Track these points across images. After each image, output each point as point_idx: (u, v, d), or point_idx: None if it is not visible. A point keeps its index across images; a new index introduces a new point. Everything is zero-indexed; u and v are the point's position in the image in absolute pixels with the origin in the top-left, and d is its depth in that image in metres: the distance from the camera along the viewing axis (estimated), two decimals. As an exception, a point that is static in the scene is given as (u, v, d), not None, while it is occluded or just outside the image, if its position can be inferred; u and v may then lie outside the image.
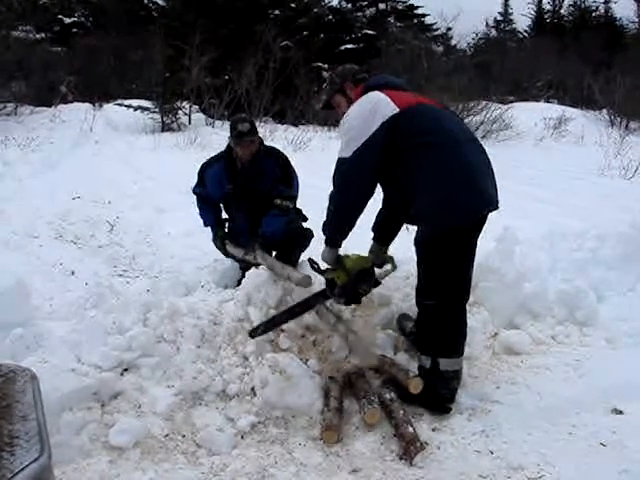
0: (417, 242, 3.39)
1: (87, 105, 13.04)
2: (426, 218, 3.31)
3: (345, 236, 3.53)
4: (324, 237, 3.60)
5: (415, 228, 3.45)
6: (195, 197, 5.01)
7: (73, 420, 3.03)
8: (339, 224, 3.51)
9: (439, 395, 3.37)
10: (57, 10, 20.31)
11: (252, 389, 3.41)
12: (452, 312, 3.37)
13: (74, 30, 19.73)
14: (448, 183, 3.23)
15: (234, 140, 4.68)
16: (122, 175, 8.81)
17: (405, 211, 3.40)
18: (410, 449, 2.96)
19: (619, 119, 17.51)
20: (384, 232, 3.93)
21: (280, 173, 4.79)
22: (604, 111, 18.44)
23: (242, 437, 3.15)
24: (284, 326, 3.81)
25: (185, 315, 3.85)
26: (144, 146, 10.88)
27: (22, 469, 1.67)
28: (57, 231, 6.21)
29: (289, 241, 4.70)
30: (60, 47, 17.47)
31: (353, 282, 3.56)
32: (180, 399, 3.34)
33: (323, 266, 3.69)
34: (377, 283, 3.77)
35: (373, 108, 3.34)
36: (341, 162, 3.36)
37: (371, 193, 3.40)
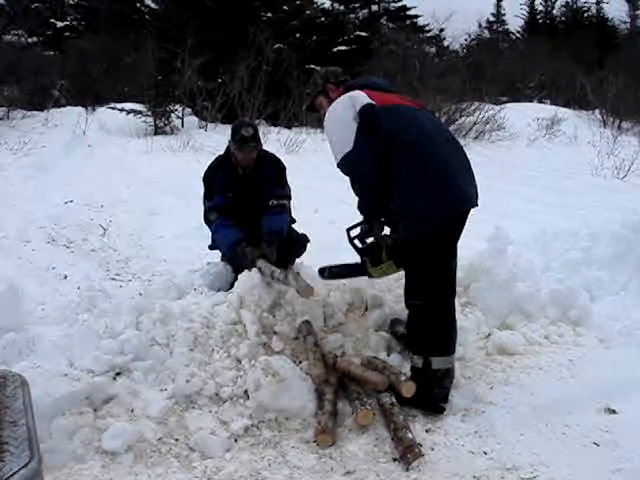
0: (400, 243, 3.42)
1: (80, 109, 12.99)
2: (406, 218, 3.35)
3: (382, 207, 3.52)
4: (362, 215, 3.68)
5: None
6: (209, 222, 4.73)
7: (65, 425, 3.01)
8: (373, 200, 3.54)
9: (432, 395, 3.37)
10: (49, 14, 20.28)
11: (245, 392, 3.39)
12: (440, 310, 3.40)
13: (66, 34, 19.70)
14: (425, 183, 3.29)
15: (236, 145, 4.57)
16: (115, 178, 8.80)
17: (386, 210, 3.47)
18: (407, 455, 2.95)
19: (611, 119, 17.56)
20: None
21: (275, 176, 4.76)
22: (597, 111, 18.49)
23: (235, 440, 3.14)
24: (276, 328, 3.81)
25: (178, 318, 3.84)
26: (137, 149, 10.86)
27: (12, 475, 1.66)
28: (49, 235, 6.19)
29: (287, 248, 4.67)
30: (52, 51, 17.45)
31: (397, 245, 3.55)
32: (173, 403, 3.32)
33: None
34: None
35: (351, 100, 3.46)
36: (349, 156, 3.40)
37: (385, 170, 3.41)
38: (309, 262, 4.75)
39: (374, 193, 3.48)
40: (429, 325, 3.36)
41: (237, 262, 4.49)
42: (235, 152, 4.61)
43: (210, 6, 15.97)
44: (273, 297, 3.95)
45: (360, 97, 3.45)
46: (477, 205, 3.41)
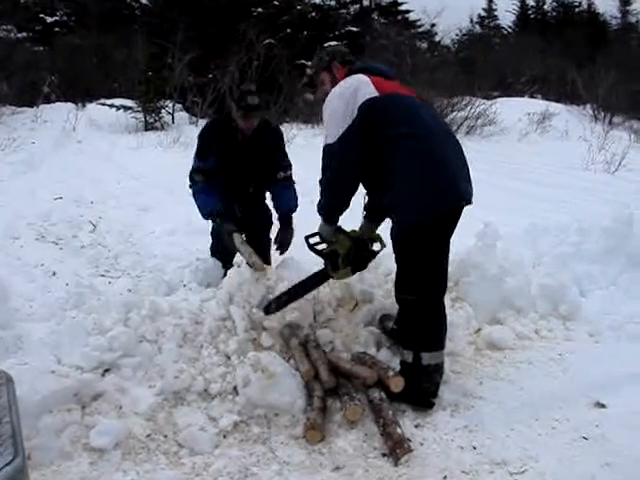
0: (393, 237, 3.41)
1: (70, 105, 12.95)
2: (401, 211, 3.33)
3: (341, 213, 3.61)
4: (320, 216, 3.67)
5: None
6: (193, 182, 4.62)
7: (53, 422, 2.99)
8: (333, 204, 3.57)
9: (422, 390, 3.37)
10: (39, 9, 20.17)
11: (234, 388, 3.38)
12: (432, 306, 3.38)
13: (56, 29, 19.60)
14: (423, 176, 3.25)
15: (241, 113, 4.45)
16: (105, 175, 8.76)
17: (381, 202, 3.46)
18: (397, 451, 2.94)
19: (603, 114, 17.59)
20: (373, 211, 3.90)
21: (275, 145, 4.75)
22: (588, 106, 18.52)
23: (224, 436, 3.13)
24: (265, 323, 3.80)
25: (167, 315, 3.83)
26: (127, 145, 10.82)
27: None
28: (38, 232, 6.15)
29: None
30: (42, 46, 17.36)
31: (354, 248, 3.67)
32: (162, 399, 3.31)
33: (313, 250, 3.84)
34: (374, 253, 3.85)
35: (354, 90, 3.37)
36: (328, 148, 3.40)
37: (359, 175, 3.46)
38: (302, 256, 4.74)
39: (337, 194, 3.51)
40: (419, 320, 3.35)
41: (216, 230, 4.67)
42: (238, 119, 4.51)
43: (201, 1, 15.90)
44: (262, 293, 3.93)
45: (364, 88, 3.38)
46: (471, 202, 3.40)
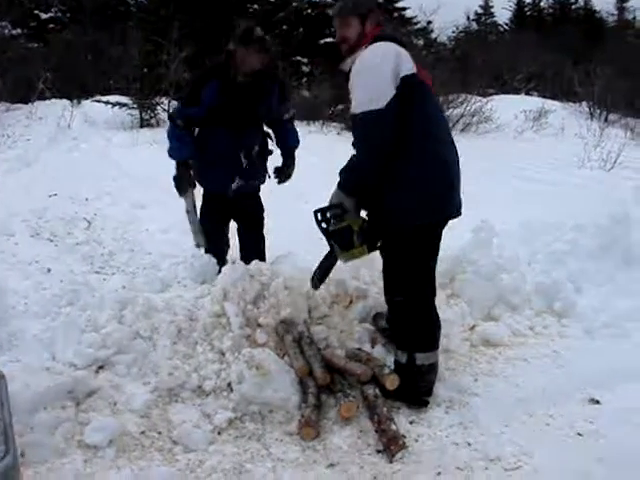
0: (386, 236, 3.36)
1: (65, 101, 12.87)
2: (404, 210, 3.22)
3: (368, 187, 3.25)
4: (345, 186, 3.27)
5: None
6: (174, 123, 4.54)
7: (47, 419, 2.99)
8: (368, 175, 3.19)
9: (416, 389, 3.36)
10: (33, 6, 20.07)
11: (229, 385, 3.37)
12: (422, 306, 3.36)
13: (51, 26, 19.52)
14: (434, 180, 3.21)
15: (251, 45, 4.28)
16: (100, 172, 8.70)
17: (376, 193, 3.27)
18: (391, 447, 2.95)
19: (599, 111, 17.58)
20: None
21: (279, 91, 4.64)
22: (584, 103, 18.51)
23: (219, 433, 3.13)
24: (260, 320, 3.79)
25: (161, 311, 3.82)
26: (122, 142, 10.76)
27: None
28: (33, 229, 6.11)
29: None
30: (37, 43, 17.29)
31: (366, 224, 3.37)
32: (156, 396, 3.30)
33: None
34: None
35: (398, 56, 3.13)
36: (375, 114, 3.04)
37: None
38: (297, 253, 4.74)
39: (372, 168, 3.16)
40: (411, 321, 3.34)
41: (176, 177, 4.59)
42: (244, 55, 4.31)
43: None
44: (257, 289, 3.93)
45: (406, 60, 3.14)
46: (460, 214, 3.40)
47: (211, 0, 15.94)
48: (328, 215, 3.40)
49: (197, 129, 4.62)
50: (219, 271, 4.24)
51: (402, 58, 3.13)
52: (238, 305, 3.84)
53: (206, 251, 4.68)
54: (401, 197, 3.21)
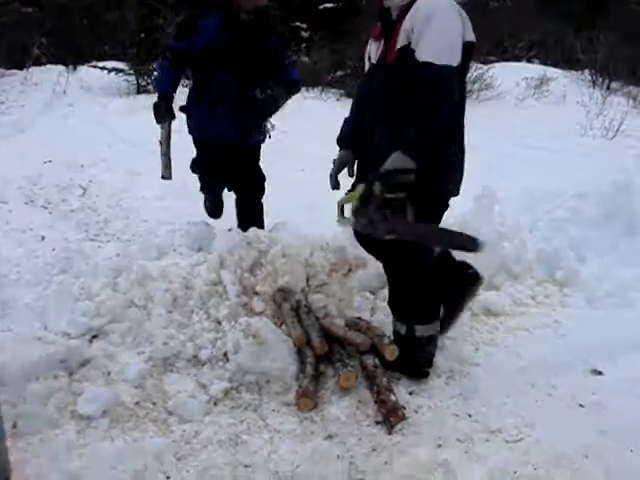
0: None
1: (60, 67, 12.69)
2: (437, 182, 2.97)
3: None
4: (413, 149, 2.76)
5: None
6: (164, 58, 4.41)
7: (40, 389, 2.91)
8: (441, 140, 2.82)
9: (416, 360, 3.30)
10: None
11: (225, 354, 3.31)
12: (421, 276, 3.19)
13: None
14: (463, 153, 3.07)
15: None
16: (96, 138, 8.59)
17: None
18: (391, 418, 2.89)
19: (601, 79, 17.39)
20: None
21: (281, 48, 4.44)
22: (586, 71, 18.30)
23: (215, 404, 3.06)
24: (257, 288, 3.72)
25: (156, 279, 3.76)
26: (119, 109, 10.62)
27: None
28: (27, 196, 6.03)
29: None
30: (31, 7, 17.01)
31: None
32: (151, 366, 3.23)
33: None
34: None
35: (463, 19, 2.85)
36: (450, 71, 2.73)
37: None
38: (295, 220, 4.67)
39: (447, 129, 2.84)
40: (411, 292, 3.22)
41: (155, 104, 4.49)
42: None
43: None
44: (254, 257, 3.86)
45: (468, 25, 2.87)
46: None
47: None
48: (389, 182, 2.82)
49: (192, 73, 4.53)
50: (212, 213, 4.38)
51: (466, 21, 2.88)
52: (235, 273, 3.78)
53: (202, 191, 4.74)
54: (444, 169, 2.99)
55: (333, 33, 15.49)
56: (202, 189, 4.76)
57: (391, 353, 3.23)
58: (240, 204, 4.69)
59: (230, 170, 4.54)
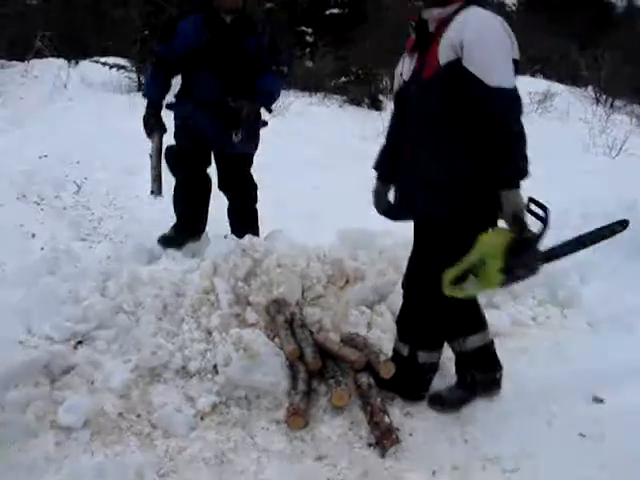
0: (436, 220, 2.90)
1: (61, 61, 12.59)
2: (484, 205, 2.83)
3: None
4: (515, 179, 2.71)
5: None
6: (151, 62, 4.42)
7: (19, 397, 2.80)
8: (525, 158, 2.72)
9: (413, 383, 3.17)
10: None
11: (214, 367, 3.18)
12: (440, 304, 2.93)
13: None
14: None
15: None
16: (94, 134, 8.46)
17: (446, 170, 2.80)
18: (384, 441, 2.77)
19: (604, 97, 17.37)
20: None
21: (268, 41, 4.23)
22: (590, 88, 18.29)
23: (201, 418, 2.94)
24: (251, 299, 3.61)
25: (146, 285, 3.64)
26: (119, 106, 10.48)
27: None
28: (20, 191, 5.89)
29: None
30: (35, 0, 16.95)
31: None
32: (137, 375, 3.11)
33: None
34: None
35: (510, 37, 2.76)
36: (510, 94, 2.64)
37: None
38: (292, 229, 4.55)
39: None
40: (423, 317, 3.06)
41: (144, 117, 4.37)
42: None
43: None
44: (248, 266, 3.75)
45: (515, 42, 2.78)
46: None
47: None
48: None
49: (179, 75, 4.39)
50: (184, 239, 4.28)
51: (513, 38, 2.78)
52: (228, 281, 3.66)
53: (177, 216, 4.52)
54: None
55: (338, 39, 15.45)
56: (178, 183, 4.48)
57: (387, 371, 3.11)
58: (232, 211, 4.55)
59: (219, 176, 4.44)
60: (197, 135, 4.27)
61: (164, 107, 4.40)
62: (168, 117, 4.46)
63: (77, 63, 13.05)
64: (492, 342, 3.18)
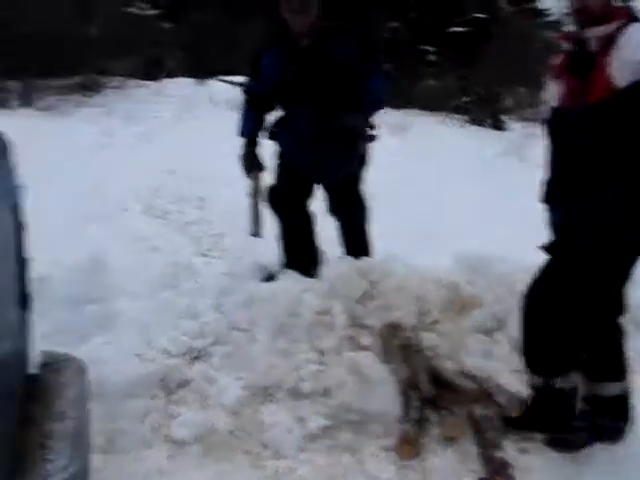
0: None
1: (191, 80, 13.12)
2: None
3: None
4: None
5: None
6: (244, 101, 4.20)
7: (136, 408, 2.89)
8: None
9: (558, 415, 2.93)
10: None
11: (327, 389, 3.13)
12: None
13: (185, 6, 19.95)
14: None
15: (287, 3, 3.74)
16: (219, 152, 8.69)
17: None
18: (497, 477, 2.66)
19: None
20: None
21: (361, 47, 3.89)
22: None
23: (311, 440, 2.91)
24: (366, 322, 3.55)
25: (262, 303, 3.64)
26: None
27: (50, 475, 1.49)
28: (146, 205, 6.15)
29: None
30: (170, 23, 17.71)
31: None
32: (249, 393, 3.11)
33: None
34: None
35: None
36: None
37: None
38: (409, 251, 4.42)
39: None
40: (562, 339, 2.86)
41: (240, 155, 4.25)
42: (287, 17, 3.79)
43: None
44: (364, 288, 3.69)
45: None
46: None
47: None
48: None
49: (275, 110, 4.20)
50: (290, 262, 4.15)
51: None
52: (344, 303, 3.62)
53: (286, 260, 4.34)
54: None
55: (460, 58, 15.26)
56: (282, 224, 4.35)
57: (516, 409, 2.97)
58: (344, 233, 4.37)
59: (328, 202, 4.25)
60: (298, 171, 4.14)
61: (267, 137, 4.23)
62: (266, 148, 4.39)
63: (205, 82, 13.52)
64: (630, 392, 2.93)
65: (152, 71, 14.06)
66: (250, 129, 4.15)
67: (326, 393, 3.13)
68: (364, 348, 3.39)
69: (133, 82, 13.22)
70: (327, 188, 4.21)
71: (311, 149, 3.98)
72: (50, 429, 1.64)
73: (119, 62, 14.06)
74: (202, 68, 14.27)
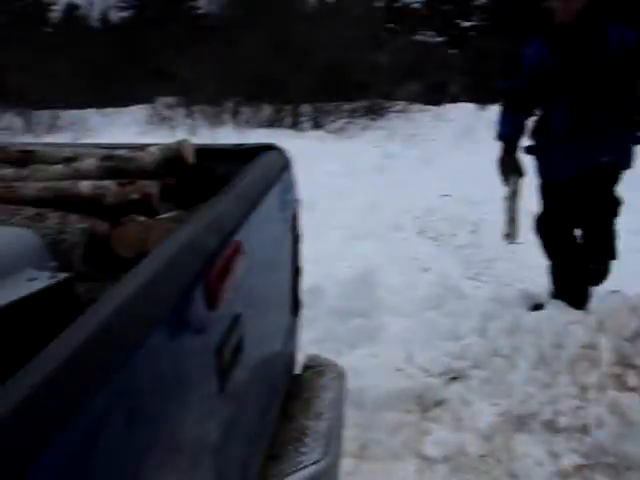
0: None
1: (472, 105, 13.16)
2: None
3: None
4: None
5: None
6: (501, 104, 4.08)
7: (391, 420, 3.01)
8: None
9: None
10: (455, 14, 20.91)
11: (585, 426, 3.02)
12: None
13: (471, 33, 20.14)
14: None
15: None
16: (494, 177, 8.69)
17: None
18: None
19: None
20: None
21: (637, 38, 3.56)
22: None
23: (563, 477, 2.80)
24: (635, 361, 3.35)
25: (526, 331, 3.61)
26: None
27: (299, 469, 1.64)
28: (420, 227, 6.30)
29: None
30: (455, 49, 17.99)
31: None
32: (503, 420, 3.10)
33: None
34: None
35: None
36: None
37: None
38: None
39: None
40: None
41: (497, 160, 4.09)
42: (553, 3, 3.63)
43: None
44: (636, 325, 3.49)
45: None
46: None
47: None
48: None
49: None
50: (559, 293, 3.90)
51: None
52: (612, 340, 3.46)
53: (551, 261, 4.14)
54: None
55: None
56: (549, 254, 4.17)
57: None
58: (585, 239, 4.06)
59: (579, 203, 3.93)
60: (562, 190, 3.92)
61: (523, 151, 4.07)
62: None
63: (487, 107, 13.50)
64: None
65: (435, 96, 14.35)
66: (508, 132, 4.03)
67: (583, 430, 3.02)
68: (630, 389, 3.21)
69: (416, 107, 13.59)
70: (586, 190, 3.88)
71: (572, 144, 3.78)
72: (307, 426, 1.81)
73: (404, 87, 14.57)
74: (484, 93, 14.27)
